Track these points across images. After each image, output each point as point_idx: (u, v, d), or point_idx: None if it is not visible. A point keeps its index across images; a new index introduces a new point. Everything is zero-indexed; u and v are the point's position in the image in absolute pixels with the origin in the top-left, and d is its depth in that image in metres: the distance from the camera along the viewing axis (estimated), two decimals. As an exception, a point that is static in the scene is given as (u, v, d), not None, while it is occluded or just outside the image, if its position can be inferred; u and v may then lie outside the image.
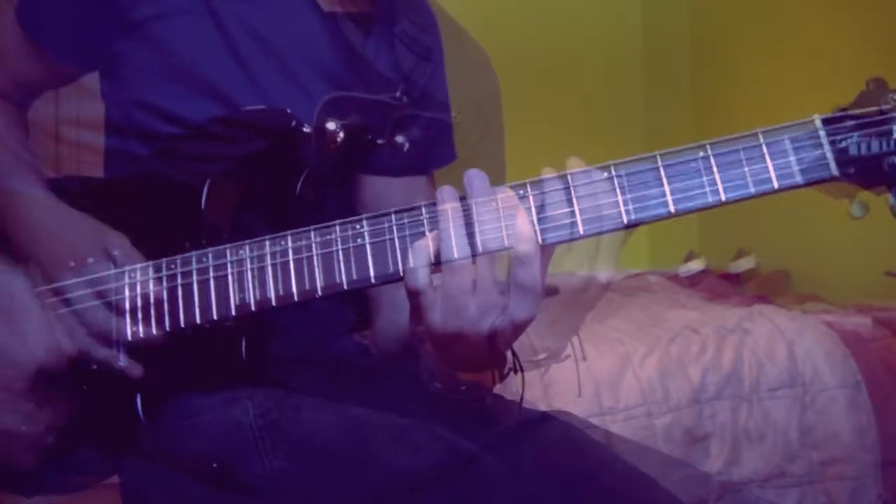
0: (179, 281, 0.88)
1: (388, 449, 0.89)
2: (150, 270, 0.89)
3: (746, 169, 0.77)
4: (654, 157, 0.79)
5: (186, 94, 1.03)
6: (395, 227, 0.83)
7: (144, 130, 1.05)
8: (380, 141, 1.06)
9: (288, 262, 0.85)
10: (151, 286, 0.89)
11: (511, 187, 0.81)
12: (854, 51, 2.76)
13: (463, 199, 0.81)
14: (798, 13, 3.12)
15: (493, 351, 0.83)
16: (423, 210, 0.82)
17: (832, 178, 0.77)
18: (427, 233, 0.81)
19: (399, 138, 1.08)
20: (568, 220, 0.79)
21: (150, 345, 0.89)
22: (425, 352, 0.89)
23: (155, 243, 0.92)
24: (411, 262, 0.79)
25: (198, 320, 0.87)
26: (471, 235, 0.79)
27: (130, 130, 1.06)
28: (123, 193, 1.02)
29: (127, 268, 0.90)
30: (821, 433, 2.05)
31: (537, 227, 0.79)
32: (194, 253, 0.88)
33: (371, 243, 0.83)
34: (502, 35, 3.34)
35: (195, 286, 0.88)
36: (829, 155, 0.76)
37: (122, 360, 0.89)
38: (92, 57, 1.07)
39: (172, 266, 0.89)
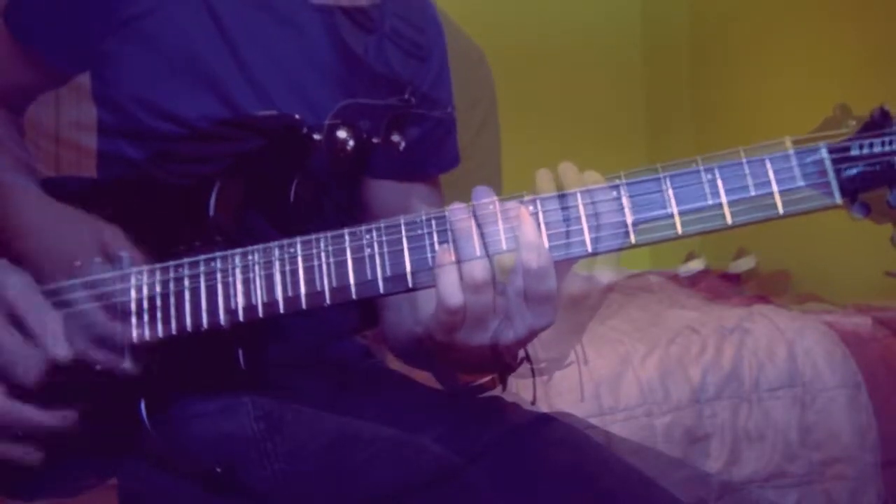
0: (187, 284, 0.88)
1: (373, 460, 0.89)
2: (157, 273, 0.89)
3: (753, 193, 0.77)
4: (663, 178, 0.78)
5: (183, 88, 1.02)
6: (405, 238, 0.81)
7: (140, 130, 1.03)
8: (375, 140, 1.05)
9: (297, 268, 0.84)
10: (158, 289, 0.89)
11: (521, 202, 0.79)
12: (853, 52, 2.76)
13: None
14: (797, 14, 3.12)
15: (506, 357, 0.84)
16: (434, 222, 0.81)
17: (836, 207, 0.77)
18: (449, 244, 0.79)
19: (395, 137, 1.07)
20: (577, 238, 0.78)
21: (153, 348, 0.89)
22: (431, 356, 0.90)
23: (153, 245, 0.91)
24: (444, 281, 0.78)
25: (204, 324, 0.87)
26: (487, 250, 0.78)
27: (125, 131, 1.05)
28: (119, 194, 1.01)
29: (133, 270, 0.90)
30: (821, 433, 2.05)
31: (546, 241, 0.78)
32: (202, 257, 0.88)
33: (389, 252, 0.82)
34: (502, 35, 3.35)
35: (203, 290, 0.87)
36: (834, 183, 0.76)
37: (126, 363, 0.88)
38: (83, 56, 1.05)
39: (180, 269, 0.89)
